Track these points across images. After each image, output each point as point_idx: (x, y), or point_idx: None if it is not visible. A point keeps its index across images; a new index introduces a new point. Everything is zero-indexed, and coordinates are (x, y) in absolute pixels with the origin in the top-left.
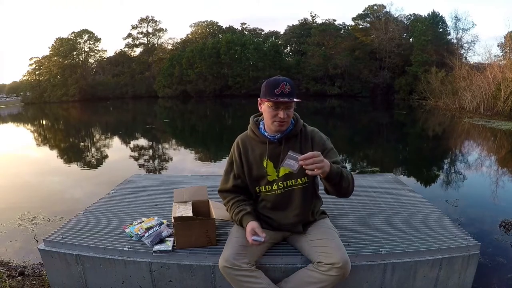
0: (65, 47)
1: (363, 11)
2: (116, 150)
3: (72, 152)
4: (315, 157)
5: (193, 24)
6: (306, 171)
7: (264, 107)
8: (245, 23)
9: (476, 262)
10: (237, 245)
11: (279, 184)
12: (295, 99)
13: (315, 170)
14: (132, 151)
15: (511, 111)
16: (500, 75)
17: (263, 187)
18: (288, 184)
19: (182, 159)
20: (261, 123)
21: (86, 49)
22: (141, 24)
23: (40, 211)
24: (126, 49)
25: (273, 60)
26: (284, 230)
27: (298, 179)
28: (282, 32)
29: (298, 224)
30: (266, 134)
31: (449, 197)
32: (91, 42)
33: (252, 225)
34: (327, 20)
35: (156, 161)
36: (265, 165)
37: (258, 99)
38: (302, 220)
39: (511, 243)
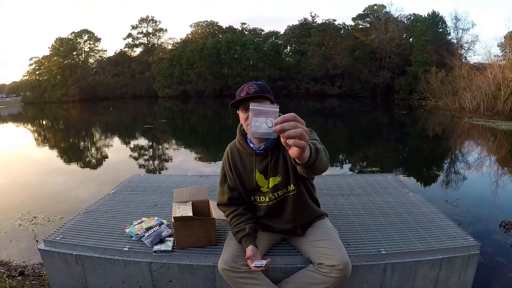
0: (65, 47)
1: (363, 11)
2: (115, 150)
3: (71, 152)
4: (297, 119)
5: (193, 24)
6: (287, 141)
7: (239, 115)
8: (245, 23)
9: (476, 262)
10: (235, 247)
11: (270, 195)
12: (261, 95)
13: (297, 138)
14: (131, 151)
15: (511, 111)
16: (500, 75)
17: (258, 197)
18: (279, 194)
19: (182, 159)
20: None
21: (86, 49)
22: (141, 24)
23: (40, 211)
24: (126, 49)
25: (273, 60)
26: (283, 234)
27: (288, 187)
28: (282, 32)
29: (296, 228)
30: (251, 145)
31: (449, 197)
32: (91, 42)
33: (251, 251)
34: (327, 20)
35: (156, 161)
36: (255, 177)
37: (237, 112)
38: (299, 225)
39: (511, 243)
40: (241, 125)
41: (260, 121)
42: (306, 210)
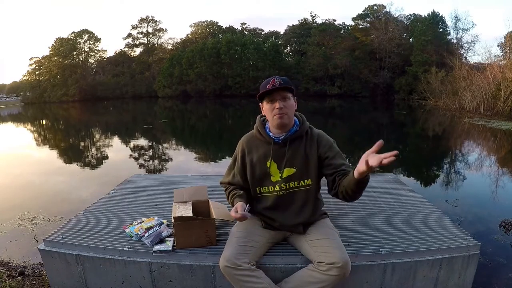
0: (65, 47)
1: (363, 11)
2: (115, 150)
3: (71, 152)
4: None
5: (193, 24)
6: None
7: (264, 106)
8: (245, 23)
9: (476, 262)
10: (238, 245)
11: (282, 185)
12: (287, 86)
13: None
14: (131, 151)
15: (511, 111)
16: (500, 75)
17: (265, 187)
18: (291, 186)
19: (182, 159)
20: (267, 123)
21: (86, 49)
22: (141, 24)
23: (40, 211)
24: (126, 49)
25: (273, 60)
26: (284, 230)
27: (301, 181)
28: (282, 32)
29: (299, 225)
30: (271, 134)
31: (449, 197)
32: (91, 42)
33: (238, 205)
34: (327, 20)
35: (156, 161)
36: (268, 165)
37: (260, 104)
38: (302, 221)
39: (511, 243)
40: (261, 116)
41: None
42: (312, 207)
